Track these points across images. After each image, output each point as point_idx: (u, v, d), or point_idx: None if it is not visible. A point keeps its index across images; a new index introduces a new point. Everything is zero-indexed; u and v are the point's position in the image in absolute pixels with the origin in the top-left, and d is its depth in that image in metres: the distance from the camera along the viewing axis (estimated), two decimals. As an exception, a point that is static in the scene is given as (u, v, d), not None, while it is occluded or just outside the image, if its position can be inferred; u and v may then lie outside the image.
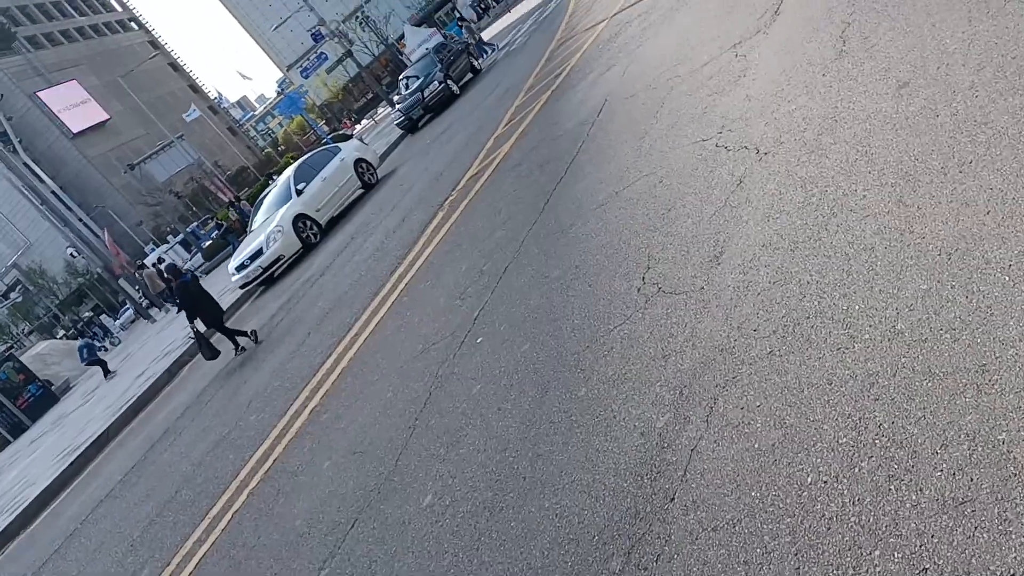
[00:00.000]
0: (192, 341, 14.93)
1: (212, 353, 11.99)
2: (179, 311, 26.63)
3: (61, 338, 75.12)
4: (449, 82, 24.74)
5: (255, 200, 22.54)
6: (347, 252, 13.15)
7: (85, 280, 79.00)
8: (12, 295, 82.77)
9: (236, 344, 11.88)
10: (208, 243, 44.86)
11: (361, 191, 19.29)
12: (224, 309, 12.25)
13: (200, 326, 11.81)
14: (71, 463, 13.89)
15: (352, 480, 4.82)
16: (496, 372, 4.72)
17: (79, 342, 23.52)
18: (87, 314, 75.40)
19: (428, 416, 4.87)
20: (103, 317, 54.90)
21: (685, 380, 3.39)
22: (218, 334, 12.22)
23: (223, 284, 20.34)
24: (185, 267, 45.07)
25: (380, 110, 67.95)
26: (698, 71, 7.45)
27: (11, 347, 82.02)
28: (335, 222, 18.14)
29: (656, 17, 11.44)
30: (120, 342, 42.13)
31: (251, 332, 11.86)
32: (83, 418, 19.19)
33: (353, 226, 15.62)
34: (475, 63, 27.68)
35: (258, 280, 17.02)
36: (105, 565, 7.03)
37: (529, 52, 20.92)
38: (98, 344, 23.23)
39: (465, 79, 26.77)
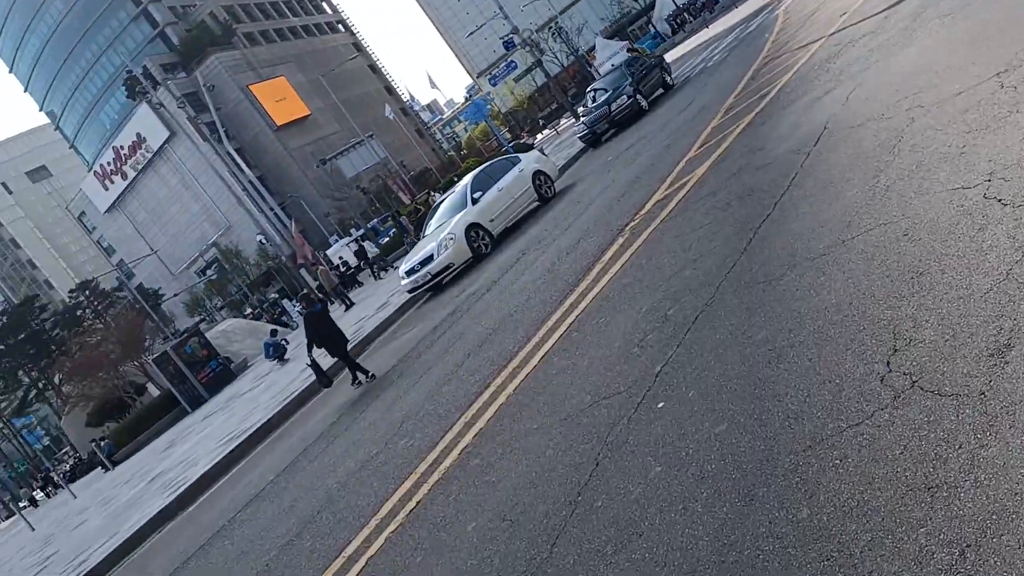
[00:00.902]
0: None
1: (327, 380, 12.91)
2: (347, 309, 27.33)
3: (247, 315, 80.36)
4: (639, 96, 23.89)
5: (424, 213, 22.62)
6: (516, 268, 12.60)
7: (274, 264, 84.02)
8: (208, 272, 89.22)
9: (355, 377, 12.15)
10: (386, 240, 46.17)
11: (537, 204, 18.80)
12: (348, 339, 12.75)
13: (320, 355, 12.38)
14: (232, 450, 14.16)
15: (498, 558, 4.10)
16: (682, 455, 3.86)
17: (266, 339, 24.48)
18: (273, 295, 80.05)
19: (594, 494, 4.07)
20: (284, 301, 57.72)
21: (967, 535, 2.40)
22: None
23: (392, 286, 20.42)
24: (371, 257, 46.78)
25: (563, 121, 67.97)
26: (948, 101, 6.22)
27: (201, 320, 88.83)
28: (507, 233, 17.73)
29: (887, 37, 10.09)
30: (297, 326, 44.05)
31: (370, 375, 12.03)
32: (251, 403, 19.81)
33: (525, 240, 15.09)
34: (668, 79, 26.65)
35: (427, 286, 16.87)
36: (237, 582, 6.72)
37: (729, 69, 19.71)
38: (284, 342, 23.99)
39: (656, 94, 25.81)
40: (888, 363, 3.46)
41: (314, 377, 13.26)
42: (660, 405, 4.52)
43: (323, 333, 12.12)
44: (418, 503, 5.62)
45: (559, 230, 13.31)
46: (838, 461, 3.07)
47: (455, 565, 4.35)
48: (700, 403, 4.24)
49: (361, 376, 12.11)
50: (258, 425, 14.83)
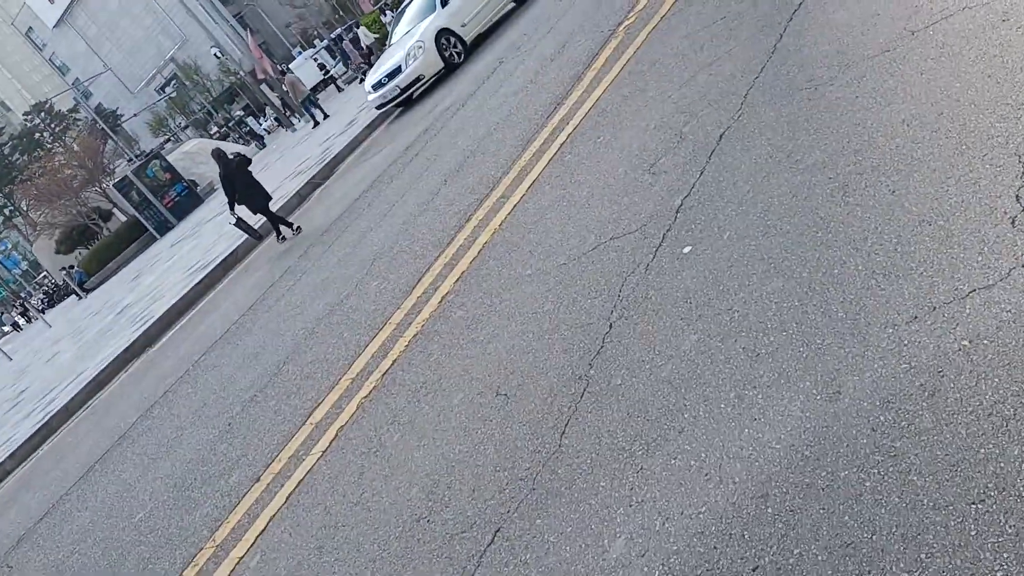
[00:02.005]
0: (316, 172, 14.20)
1: (258, 235, 12.61)
2: (316, 125, 25.74)
3: (213, 134, 77.51)
4: None
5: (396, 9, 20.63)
6: (494, 79, 11.31)
7: (237, 80, 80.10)
8: (167, 89, 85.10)
9: (279, 232, 11.71)
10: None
11: (512, 5, 17.03)
12: (271, 195, 12.12)
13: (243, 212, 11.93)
14: (199, 282, 13.38)
15: (493, 447, 3.34)
16: (724, 319, 3.02)
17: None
18: (238, 113, 76.89)
19: (610, 366, 3.26)
20: (250, 119, 55.32)
21: None
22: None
23: (359, 103, 18.96)
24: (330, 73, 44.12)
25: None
26: None
27: (167, 140, 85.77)
28: (481, 39, 16.13)
29: None
30: (265, 146, 42.29)
31: (296, 228, 11.60)
32: (218, 229, 18.83)
33: (502, 47, 13.64)
34: None
35: (395, 101, 15.49)
36: (196, 445, 6.07)
37: None
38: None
39: None
40: (1018, 197, 2.55)
41: (292, 195, 12.31)
42: (686, 250, 3.64)
43: (241, 189, 11.58)
44: (394, 363, 4.85)
45: (540, 33, 11.89)
46: (967, 343, 2.23)
47: (441, 450, 3.60)
48: (740, 249, 3.36)
49: (286, 230, 11.68)
50: (224, 255, 13.97)
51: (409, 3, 17.61)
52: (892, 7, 4.37)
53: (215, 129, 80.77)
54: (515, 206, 5.85)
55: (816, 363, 2.52)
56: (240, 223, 12.10)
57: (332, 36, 56.72)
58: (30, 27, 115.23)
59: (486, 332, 4.34)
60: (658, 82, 6.02)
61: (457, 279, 5.34)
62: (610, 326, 3.51)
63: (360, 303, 6.43)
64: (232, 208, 11.81)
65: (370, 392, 4.68)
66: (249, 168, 11.87)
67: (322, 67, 43.70)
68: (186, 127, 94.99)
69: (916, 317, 2.41)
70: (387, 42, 17.83)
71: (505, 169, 6.87)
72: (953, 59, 3.50)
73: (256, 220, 12.76)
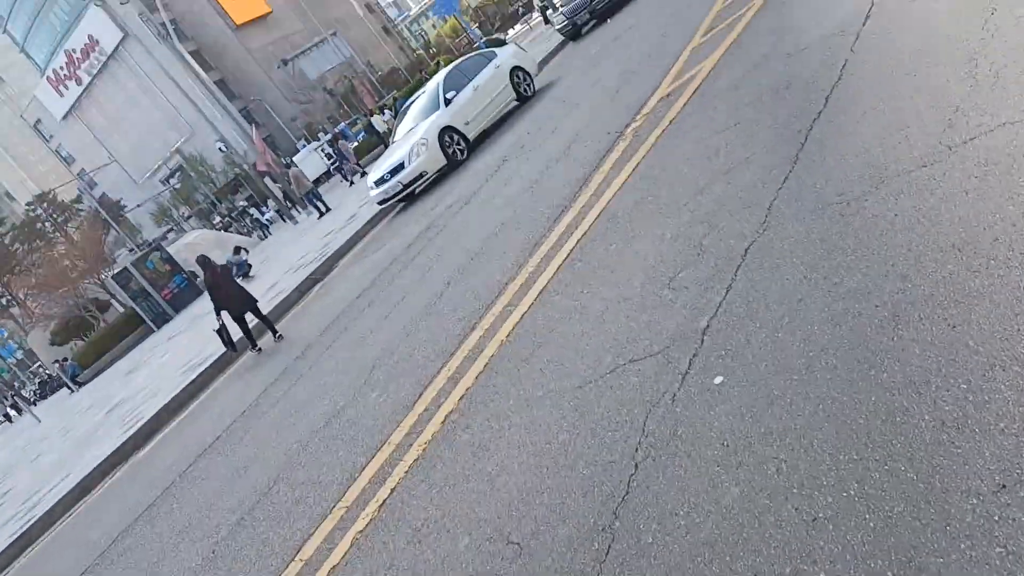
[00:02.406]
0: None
1: (234, 347, 12.38)
2: (321, 216, 25.79)
3: (217, 224, 78.12)
4: (621, -17, 21.92)
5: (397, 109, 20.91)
6: (498, 178, 11.20)
7: (242, 172, 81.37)
8: (172, 180, 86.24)
9: (253, 342, 12.09)
10: (354, 145, 44.13)
11: (515, 104, 17.20)
12: (256, 300, 12.14)
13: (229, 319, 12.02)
14: (193, 380, 13.01)
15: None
16: (770, 471, 2.67)
17: (229, 256, 22.93)
18: (242, 203, 77.72)
19: (639, 519, 2.88)
20: (253, 210, 55.70)
21: None
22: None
23: (364, 195, 18.94)
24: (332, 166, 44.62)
25: (534, 17, 64.64)
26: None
27: (169, 230, 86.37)
28: (484, 137, 16.20)
29: None
30: (271, 235, 42.44)
31: (278, 336, 11.78)
32: (213, 325, 18.50)
33: (505, 145, 13.63)
34: (651, -36, 24.54)
35: (398, 197, 15.43)
36: (178, 574, 5.60)
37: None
38: (246, 262, 22.61)
39: (638, -19, 23.82)
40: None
41: (292, 291, 12.12)
42: (718, 380, 3.31)
43: (224, 295, 11.70)
44: (392, 491, 4.45)
45: (544, 133, 11.86)
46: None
47: (444, 607, 3.19)
48: (781, 384, 3.03)
49: (261, 342, 12.05)
50: (218, 354, 13.60)
51: (413, 101, 17.79)
52: (921, 120, 4.16)
53: (218, 219, 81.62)
54: (523, 316, 5.55)
55: (888, 536, 2.16)
56: (222, 331, 12.08)
57: (336, 129, 57.80)
58: (38, 119, 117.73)
59: (495, 462, 3.97)
60: (671, 189, 5.81)
61: (461, 396, 4.99)
62: (636, 467, 3.15)
63: (358, 416, 6.06)
64: (218, 314, 11.88)
65: (366, 526, 4.28)
66: (233, 275, 12.22)
67: (329, 156, 44.52)
68: (189, 217, 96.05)
69: (1004, 487, 2.07)
70: (391, 139, 17.90)
71: (512, 274, 6.60)
72: (1001, 178, 3.25)
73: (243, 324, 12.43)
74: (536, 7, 37.97)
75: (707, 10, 11.61)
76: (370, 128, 37.26)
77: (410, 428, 5.10)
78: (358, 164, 31.83)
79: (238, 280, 22.69)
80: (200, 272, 12.14)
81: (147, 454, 11.02)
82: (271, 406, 8.30)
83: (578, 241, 6.19)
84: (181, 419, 11.67)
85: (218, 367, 13.12)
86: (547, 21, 35.82)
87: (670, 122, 7.52)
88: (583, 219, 6.61)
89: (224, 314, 11.98)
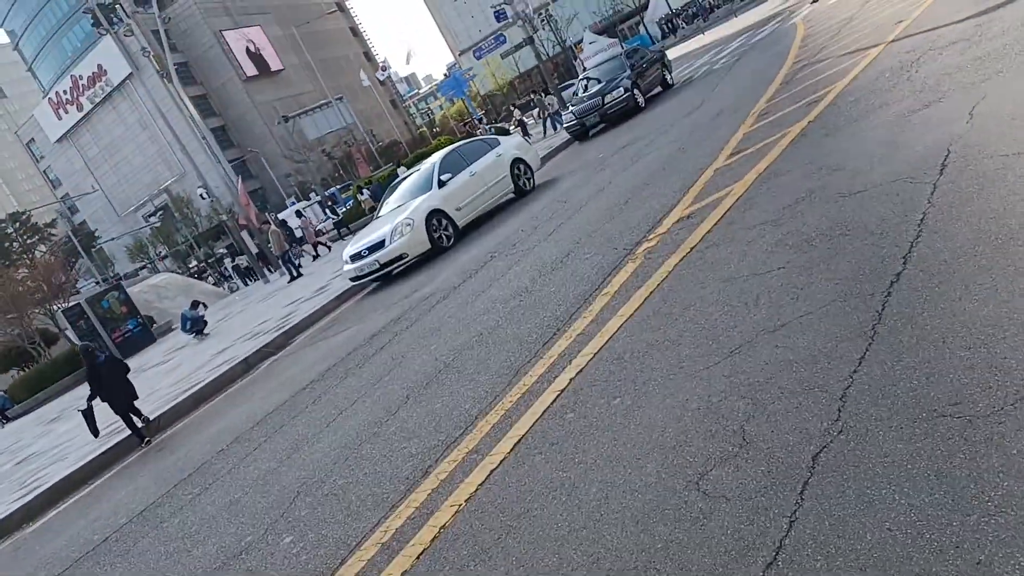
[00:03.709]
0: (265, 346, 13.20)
1: (96, 431, 12.12)
2: (291, 280, 24.57)
3: (192, 268, 76.48)
4: (636, 91, 21.46)
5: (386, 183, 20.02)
6: (483, 275, 10.08)
7: (227, 219, 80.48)
8: (152, 219, 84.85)
9: (141, 437, 11.42)
10: (343, 210, 43.27)
11: (512, 196, 16.30)
12: (136, 395, 11.82)
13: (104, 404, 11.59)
14: (105, 451, 11.51)
15: None
16: None
17: (185, 311, 21.54)
18: (221, 251, 76.42)
19: None
20: (227, 259, 54.27)
21: None
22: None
23: (335, 268, 17.76)
24: (318, 227, 43.57)
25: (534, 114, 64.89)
26: None
27: (142, 267, 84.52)
28: (474, 226, 15.19)
29: (993, 47, 7.77)
30: (237, 288, 40.96)
31: (145, 438, 11.38)
32: (150, 385, 17.01)
33: (495, 239, 12.58)
34: (668, 77, 24.26)
35: (372, 276, 14.27)
36: None
37: (748, 73, 17.38)
38: (203, 318, 21.23)
39: (653, 92, 23.43)
40: None
41: (240, 361, 11.00)
42: None
43: (106, 387, 11.43)
44: None
45: (540, 234, 10.81)
46: None
47: None
48: None
49: (142, 432, 11.46)
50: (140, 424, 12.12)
51: (404, 178, 16.85)
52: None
53: (194, 264, 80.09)
54: (491, 473, 4.29)
55: None
56: (87, 413, 11.91)
57: (326, 193, 57.17)
58: (32, 138, 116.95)
59: None
60: (697, 337, 4.65)
61: (396, 581, 3.69)
62: None
63: (262, 564, 4.70)
64: (91, 399, 11.67)
65: None
66: (126, 367, 12.04)
67: (299, 214, 43.95)
68: (165, 257, 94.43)
69: None
70: (376, 214, 16.87)
71: (484, 405, 5.37)
72: None
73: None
74: (542, 103, 37.27)
75: (734, 128, 10.78)
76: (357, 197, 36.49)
77: (318, 614, 3.77)
78: (316, 245, 30.52)
79: (192, 337, 21.27)
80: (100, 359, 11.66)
81: (35, 532, 9.45)
82: (171, 514, 6.87)
83: (571, 381, 4.99)
84: (80, 496, 10.14)
85: (127, 448, 11.64)
86: (552, 125, 34.97)
87: (691, 249, 6.44)
88: (580, 351, 5.43)
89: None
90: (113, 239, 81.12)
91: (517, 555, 3.37)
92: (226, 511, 6.11)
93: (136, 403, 11.68)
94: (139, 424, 11.52)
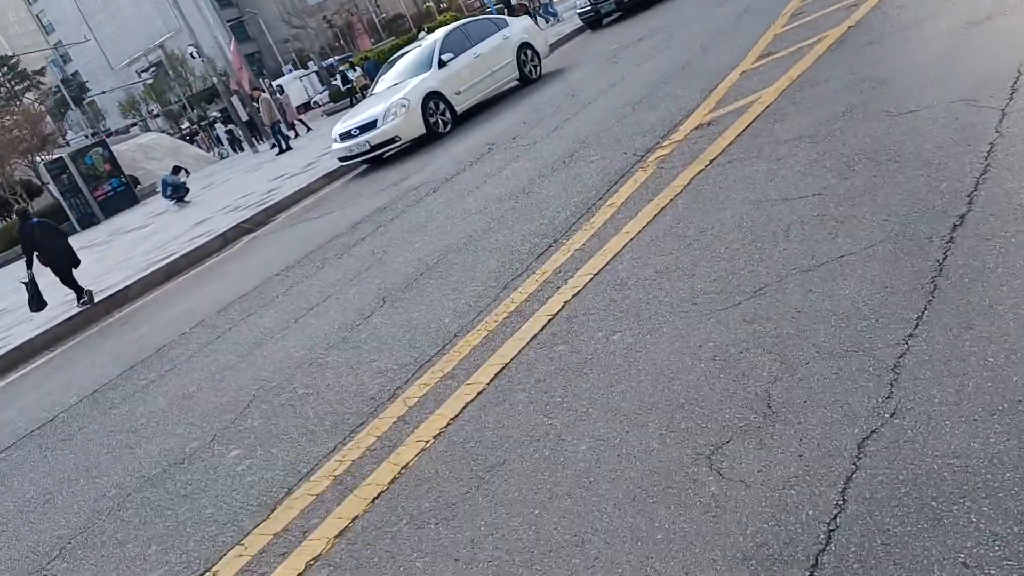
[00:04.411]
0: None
1: (39, 305, 11.45)
2: (280, 152, 23.65)
3: (184, 129, 74.68)
4: (659, -20, 20.05)
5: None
6: (479, 168, 9.36)
7: (217, 82, 78.00)
8: (144, 75, 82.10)
9: (80, 295, 11.29)
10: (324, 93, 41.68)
11: (517, 83, 15.32)
12: (78, 260, 11.56)
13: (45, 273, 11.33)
14: (63, 322, 10.99)
15: None
16: None
17: (166, 176, 20.64)
18: (214, 114, 74.49)
19: None
20: (218, 124, 52.67)
21: None
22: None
23: (326, 144, 16.88)
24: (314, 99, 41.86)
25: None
26: None
27: (133, 124, 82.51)
28: (473, 112, 14.29)
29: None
30: (227, 155, 39.75)
31: (83, 301, 11.23)
32: (125, 250, 16.39)
33: (495, 128, 11.77)
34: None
35: (361, 158, 13.47)
36: None
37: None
38: (184, 184, 20.29)
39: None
40: None
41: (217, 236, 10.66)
42: None
43: (45, 250, 11.08)
44: None
45: (543, 128, 10.03)
46: None
47: None
48: None
49: (85, 296, 11.25)
50: (112, 292, 11.60)
51: (402, 54, 15.77)
52: None
53: (186, 125, 78.21)
54: (465, 406, 3.75)
55: None
56: (29, 285, 11.23)
57: (324, 64, 55.15)
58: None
59: None
60: (714, 269, 4.04)
61: (339, 534, 3.18)
62: None
63: (202, 479, 4.21)
64: (29, 266, 11.11)
65: None
66: (60, 232, 11.85)
67: (280, 89, 42.18)
68: (157, 115, 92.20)
69: None
70: (370, 90, 15.90)
71: (465, 322, 4.79)
72: None
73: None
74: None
75: (763, 27, 9.86)
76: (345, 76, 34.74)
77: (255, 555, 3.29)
78: (294, 123, 28.51)
79: (172, 203, 20.51)
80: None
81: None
82: (105, 411, 6.38)
83: (565, 304, 4.40)
84: (37, 364, 9.70)
85: (101, 308, 11.12)
86: (544, 18, 31.68)
87: (711, 161, 5.75)
88: (577, 270, 4.83)
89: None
90: (104, 92, 78.60)
91: (486, 518, 2.85)
92: (177, 406, 5.62)
93: (76, 271, 11.39)
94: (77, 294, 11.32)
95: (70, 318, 11.03)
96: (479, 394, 3.80)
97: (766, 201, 4.59)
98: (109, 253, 17.41)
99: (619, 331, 3.81)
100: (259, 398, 5.05)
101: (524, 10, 31.63)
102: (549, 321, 4.28)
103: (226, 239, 12.79)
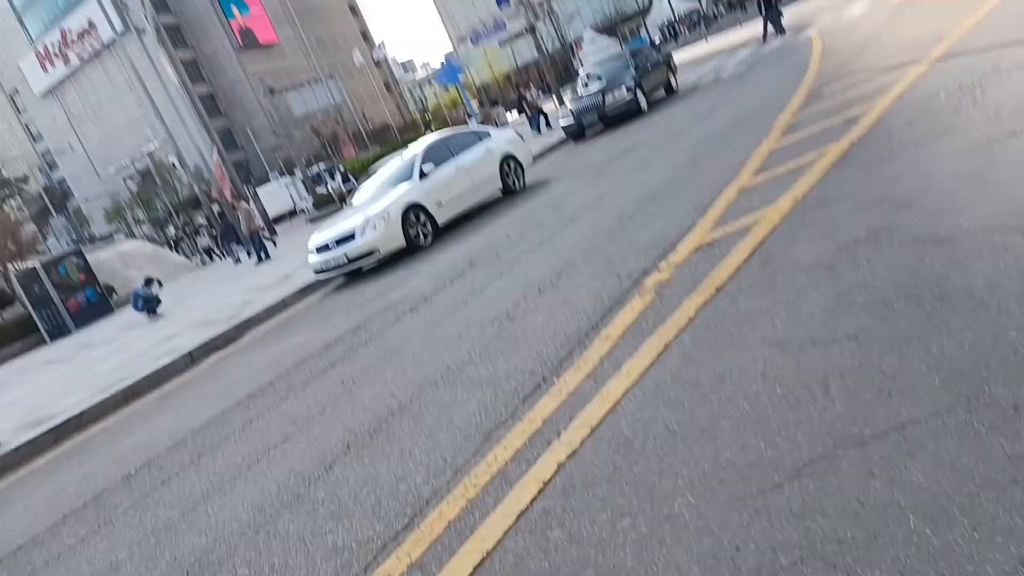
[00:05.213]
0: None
1: None
2: (259, 262, 23.12)
3: (171, 236, 74.34)
4: (639, 93, 20.16)
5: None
6: (459, 287, 8.75)
7: (198, 191, 78.47)
8: (128, 182, 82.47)
9: None
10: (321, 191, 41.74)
11: (500, 195, 14.97)
12: None
13: None
14: (17, 448, 10.08)
15: None
16: None
17: (137, 288, 19.97)
18: (201, 222, 74.60)
19: None
20: (203, 229, 52.39)
21: None
22: None
23: (300, 257, 16.32)
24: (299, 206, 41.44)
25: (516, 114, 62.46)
26: None
27: (117, 231, 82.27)
28: (455, 225, 13.83)
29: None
30: (210, 263, 39.15)
31: None
32: (89, 368, 15.52)
33: (477, 244, 11.24)
34: (673, 81, 22.97)
35: (338, 271, 12.88)
36: None
37: (764, 85, 16.09)
38: (156, 296, 19.50)
39: (657, 96, 22.14)
40: None
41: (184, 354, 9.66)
42: None
43: None
44: None
45: (527, 244, 9.49)
46: None
47: None
48: None
49: None
50: (65, 417, 10.71)
51: (386, 165, 15.43)
52: None
53: (172, 231, 77.98)
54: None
55: None
56: None
57: (312, 172, 55.49)
58: (16, 88, 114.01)
59: None
60: (740, 431, 3.34)
61: None
62: None
63: None
64: None
65: None
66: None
67: (247, 199, 41.85)
68: (142, 222, 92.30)
69: None
70: (348, 201, 15.48)
71: (439, 485, 4.03)
72: None
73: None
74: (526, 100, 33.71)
75: (756, 142, 9.48)
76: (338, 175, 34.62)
77: None
78: (261, 234, 25.17)
79: (143, 315, 19.73)
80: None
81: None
82: (45, 564, 5.50)
83: (559, 468, 3.67)
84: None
85: (59, 434, 10.21)
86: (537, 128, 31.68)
87: (717, 289, 5.14)
88: (572, 419, 4.11)
89: None
90: (87, 200, 78.81)
91: None
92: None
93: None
94: None
95: (16, 448, 10.11)
96: (453, 597, 3.02)
97: (791, 343, 3.93)
98: (71, 370, 16.51)
99: (628, 515, 3.07)
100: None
101: (537, 109, 31.41)
102: (540, 491, 3.54)
103: (193, 357, 12.00)
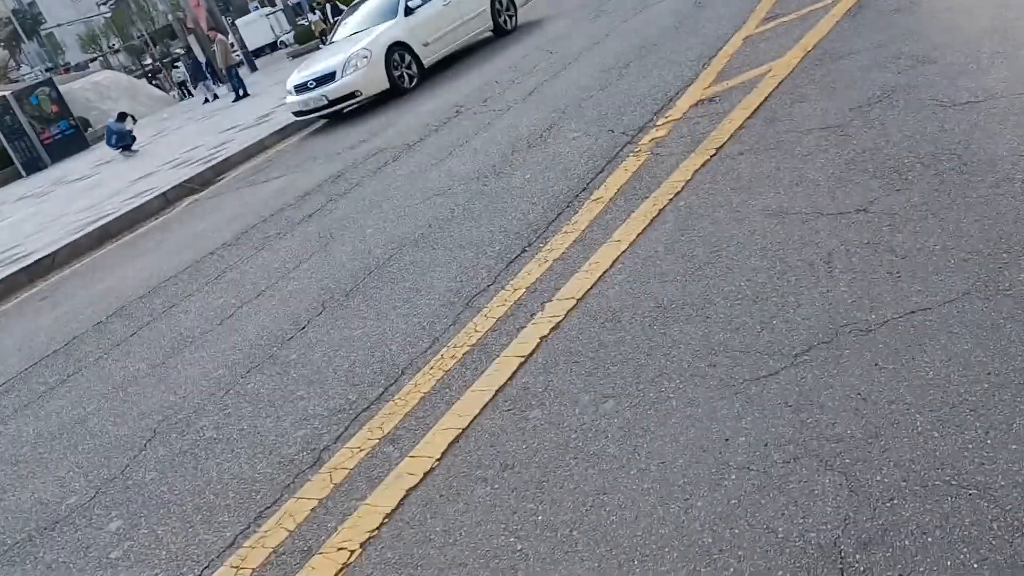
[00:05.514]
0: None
1: None
2: (236, 99, 22.26)
3: (147, 66, 71.98)
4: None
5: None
6: (444, 135, 8.33)
7: (173, 20, 74.90)
8: (103, 7, 78.49)
9: None
10: (303, 23, 39.82)
11: (490, 34, 14.17)
12: None
13: None
14: (4, 277, 9.92)
15: None
16: None
17: (111, 122, 19.14)
18: (178, 51, 71.66)
19: None
20: (180, 63, 50.48)
21: None
22: None
23: (279, 94, 15.59)
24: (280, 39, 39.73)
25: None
26: None
27: (93, 59, 79.29)
28: (442, 66, 13.15)
29: None
30: (192, 96, 37.80)
31: None
32: (63, 204, 15.13)
33: (464, 88, 10.68)
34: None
35: (318, 113, 12.30)
36: None
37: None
38: (131, 132, 18.68)
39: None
40: None
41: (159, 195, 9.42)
42: None
43: None
44: None
45: (518, 91, 8.98)
46: None
47: None
48: None
49: None
50: (38, 257, 10.46)
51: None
52: None
53: (149, 61, 75.35)
54: (405, 498, 2.83)
55: None
56: None
57: (291, 2, 52.90)
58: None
59: None
60: (735, 309, 3.12)
61: None
62: None
63: (57, 567, 3.28)
64: None
65: None
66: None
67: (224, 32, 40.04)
68: (118, 51, 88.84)
69: None
70: (329, 38, 14.63)
71: (415, 354, 3.85)
72: None
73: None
74: None
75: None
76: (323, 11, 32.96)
77: None
78: (227, 72, 23.48)
79: (118, 152, 19.12)
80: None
81: None
82: (14, 412, 5.39)
83: (541, 342, 3.47)
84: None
85: (31, 274, 9.99)
86: None
87: (718, 150, 4.81)
88: (556, 290, 3.89)
89: None
90: (59, 25, 75.17)
91: None
92: (68, 433, 4.64)
93: None
94: None
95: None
96: (425, 476, 2.87)
97: (795, 214, 3.66)
98: (45, 207, 16.11)
99: (612, 397, 2.89)
100: (160, 436, 4.09)
101: None
102: (520, 365, 3.35)
103: (167, 199, 11.64)
